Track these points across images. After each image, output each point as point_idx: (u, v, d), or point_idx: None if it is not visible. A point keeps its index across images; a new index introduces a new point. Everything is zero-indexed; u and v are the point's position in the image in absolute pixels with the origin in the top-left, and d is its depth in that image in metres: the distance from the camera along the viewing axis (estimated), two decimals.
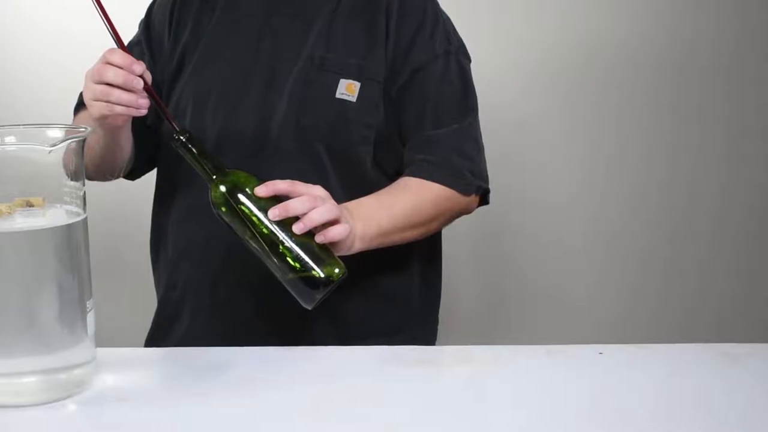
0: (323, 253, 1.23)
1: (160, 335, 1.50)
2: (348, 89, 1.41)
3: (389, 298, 1.47)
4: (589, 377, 1.15)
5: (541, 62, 2.28)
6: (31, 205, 1.05)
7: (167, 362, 1.21)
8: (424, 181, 1.42)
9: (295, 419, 1.02)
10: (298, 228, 1.21)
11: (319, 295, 1.22)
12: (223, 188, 1.24)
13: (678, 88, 2.31)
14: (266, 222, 1.21)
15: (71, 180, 1.07)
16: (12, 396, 1.03)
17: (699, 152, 2.34)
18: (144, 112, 1.31)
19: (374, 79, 1.42)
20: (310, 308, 1.23)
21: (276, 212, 1.21)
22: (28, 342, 1.03)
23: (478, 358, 1.22)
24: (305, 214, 1.21)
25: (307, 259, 1.21)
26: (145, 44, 1.51)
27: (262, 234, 1.22)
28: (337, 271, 1.22)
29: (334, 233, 1.23)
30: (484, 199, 1.51)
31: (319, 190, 1.25)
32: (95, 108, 1.31)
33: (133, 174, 1.57)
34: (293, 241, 1.21)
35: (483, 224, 2.32)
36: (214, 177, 1.25)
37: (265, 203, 1.22)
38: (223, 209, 1.24)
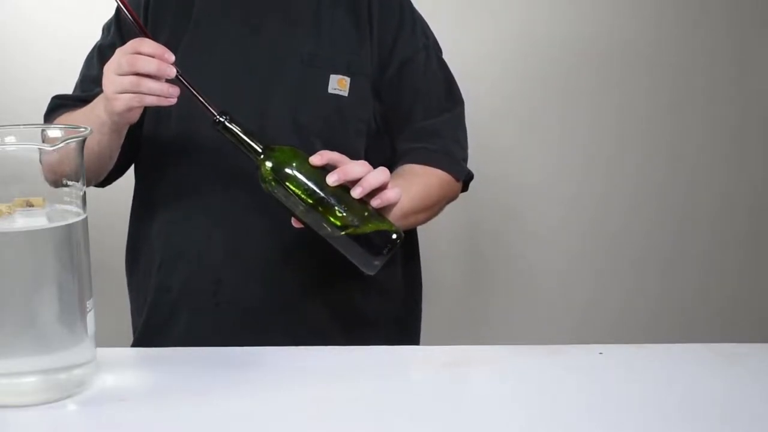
0: (380, 217, 1.24)
1: (151, 339, 1.48)
2: (339, 84, 1.43)
3: (381, 287, 1.49)
4: (589, 377, 1.15)
5: (540, 61, 2.28)
6: (31, 205, 1.05)
7: (167, 362, 1.21)
8: (427, 167, 1.46)
9: (295, 419, 1.02)
10: (357, 192, 1.22)
11: (379, 260, 1.23)
12: (273, 163, 1.24)
13: (678, 88, 2.32)
14: (322, 191, 1.22)
15: (71, 180, 1.07)
16: (12, 396, 1.03)
17: (699, 152, 2.34)
18: (174, 101, 1.28)
19: (363, 74, 1.44)
20: (372, 273, 1.25)
21: (335, 177, 1.21)
22: (28, 342, 1.03)
23: (478, 358, 1.22)
24: (361, 178, 1.22)
25: (367, 223, 1.22)
26: (120, 46, 1.49)
27: (319, 203, 1.22)
28: (395, 236, 1.23)
29: (389, 195, 1.24)
30: (465, 187, 1.56)
31: (360, 161, 1.27)
32: (121, 101, 1.28)
33: (105, 182, 1.53)
34: (351, 207, 1.22)
35: (483, 223, 2.32)
36: (262, 155, 1.25)
37: (316, 173, 1.23)
38: (275, 184, 1.24)
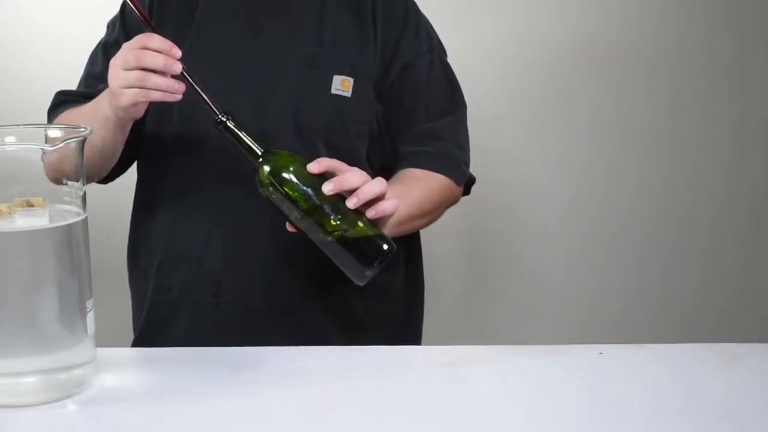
0: (374, 228, 1.23)
1: (151, 338, 1.48)
2: (342, 85, 1.43)
3: (381, 289, 1.49)
4: (589, 377, 1.15)
5: (541, 61, 2.28)
6: (31, 205, 1.05)
7: (167, 362, 1.21)
8: (428, 171, 1.46)
9: (294, 419, 1.02)
10: (352, 202, 1.21)
11: (370, 271, 1.22)
12: (271, 167, 1.24)
13: (678, 88, 2.31)
14: (317, 198, 1.22)
15: (71, 180, 1.07)
16: (12, 396, 1.03)
17: (699, 152, 2.34)
18: (180, 97, 1.28)
19: (366, 75, 1.44)
20: (362, 284, 1.24)
21: (331, 186, 1.21)
22: (28, 342, 1.03)
23: (478, 358, 1.22)
24: (357, 188, 1.22)
25: (360, 233, 1.22)
26: (125, 43, 1.49)
27: (314, 210, 1.22)
28: (386, 246, 1.22)
29: (384, 207, 1.23)
30: (466, 189, 1.56)
31: (360, 170, 1.26)
32: (127, 96, 1.28)
33: (107, 178, 1.53)
34: (345, 216, 1.22)
35: (484, 224, 2.32)
36: (261, 158, 1.25)
37: (313, 180, 1.22)
38: (271, 188, 1.23)
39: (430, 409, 1.06)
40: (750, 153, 2.35)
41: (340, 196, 1.22)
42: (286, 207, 1.24)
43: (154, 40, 1.27)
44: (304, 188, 1.22)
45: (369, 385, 1.12)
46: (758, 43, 2.31)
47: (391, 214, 1.26)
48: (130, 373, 1.17)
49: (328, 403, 1.07)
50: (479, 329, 2.36)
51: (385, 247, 1.22)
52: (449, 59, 1.56)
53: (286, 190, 1.23)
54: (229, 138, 1.27)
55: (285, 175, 1.23)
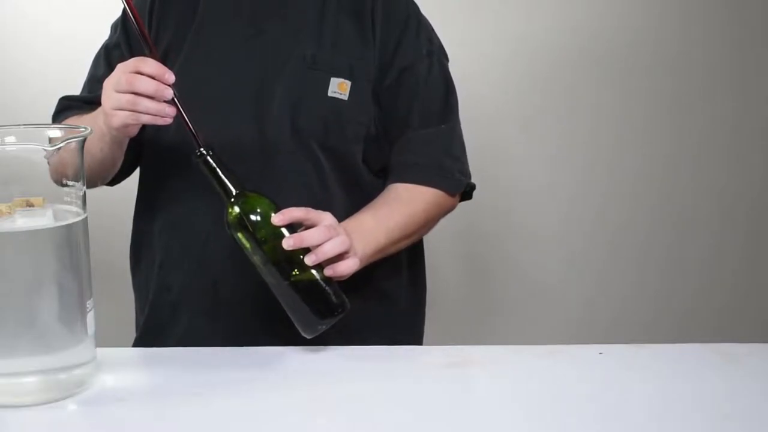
0: (329, 285, 1.24)
1: (152, 338, 1.48)
2: (340, 88, 1.43)
3: (382, 294, 1.49)
4: (589, 377, 1.15)
5: (541, 60, 2.28)
6: (31, 205, 1.06)
7: (167, 362, 1.21)
8: (416, 186, 1.45)
9: (294, 419, 1.03)
10: (310, 260, 1.23)
11: (321, 326, 1.24)
12: (238, 210, 1.24)
13: (678, 88, 2.31)
14: (278, 249, 1.22)
15: (71, 180, 1.07)
16: (12, 396, 1.04)
17: (699, 152, 2.34)
18: (170, 121, 1.28)
19: (364, 78, 1.44)
20: (309, 337, 1.25)
21: (290, 242, 1.22)
22: (28, 342, 1.03)
23: (479, 358, 1.22)
24: (318, 245, 1.23)
25: (313, 290, 1.23)
26: (125, 47, 1.49)
27: (272, 260, 1.23)
28: (339, 304, 1.24)
29: (342, 270, 1.26)
30: (466, 194, 1.55)
31: (330, 219, 1.27)
32: (118, 118, 1.28)
33: (113, 181, 1.55)
34: (302, 271, 1.23)
35: (483, 224, 2.32)
36: (232, 198, 1.25)
37: (277, 230, 1.23)
38: (236, 232, 1.25)
39: (431, 408, 1.06)
40: (750, 153, 2.35)
41: (305, 247, 1.23)
42: (247, 250, 1.25)
43: (148, 65, 1.27)
44: (267, 237, 1.23)
45: (369, 385, 1.12)
46: (758, 43, 2.31)
47: (348, 276, 1.27)
48: (130, 373, 1.17)
49: (328, 403, 1.07)
50: (479, 329, 2.36)
51: (337, 303, 1.24)
52: (449, 58, 1.55)
53: (249, 236, 1.24)
54: (205, 172, 1.27)
55: (252, 218, 1.24)
